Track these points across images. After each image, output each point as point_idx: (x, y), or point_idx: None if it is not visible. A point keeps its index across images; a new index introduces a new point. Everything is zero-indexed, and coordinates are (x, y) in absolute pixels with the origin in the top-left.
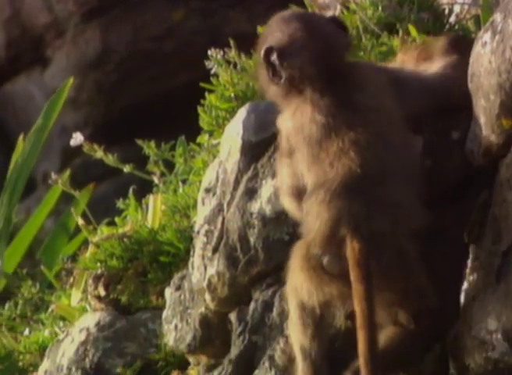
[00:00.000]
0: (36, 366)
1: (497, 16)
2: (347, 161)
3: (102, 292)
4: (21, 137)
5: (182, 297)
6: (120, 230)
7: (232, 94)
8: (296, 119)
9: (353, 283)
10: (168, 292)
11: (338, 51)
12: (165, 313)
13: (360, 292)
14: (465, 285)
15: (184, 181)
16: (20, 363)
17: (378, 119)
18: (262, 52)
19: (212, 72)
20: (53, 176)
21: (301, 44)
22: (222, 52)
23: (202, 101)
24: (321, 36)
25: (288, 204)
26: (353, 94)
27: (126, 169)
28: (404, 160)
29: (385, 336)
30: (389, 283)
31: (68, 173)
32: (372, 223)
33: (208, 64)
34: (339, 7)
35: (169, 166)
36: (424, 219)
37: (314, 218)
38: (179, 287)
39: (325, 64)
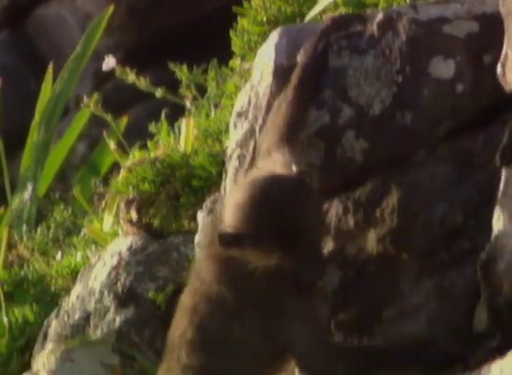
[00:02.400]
0: (68, 290)
1: None
2: None
3: (134, 216)
4: (51, 63)
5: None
6: (152, 154)
7: (265, 19)
8: None
9: None
10: (201, 216)
11: None
12: (197, 237)
13: None
14: (496, 208)
15: (216, 105)
16: (52, 287)
17: None
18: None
19: None
20: (85, 99)
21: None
22: None
23: (234, 26)
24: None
25: None
26: None
27: (158, 93)
28: None
29: None
30: None
31: (97, 95)
32: None
33: None
34: None
35: (201, 89)
36: None
37: None
38: (211, 211)
39: None
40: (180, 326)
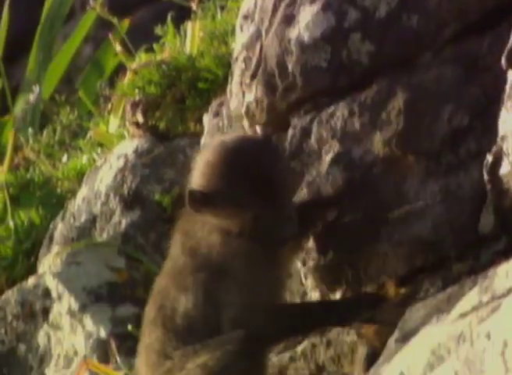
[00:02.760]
0: (74, 192)
1: None
2: None
3: (140, 119)
4: None
5: (220, 123)
6: (158, 57)
7: None
8: None
9: None
10: (207, 118)
11: None
12: (203, 139)
13: None
14: (503, 111)
15: (222, 8)
16: (58, 190)
17: None
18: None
19: None
20: (91, 1)
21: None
22: None
23: None
24: None
25: None
26: None
27: None
28: None
29: None
30: None
31: None
32: None
33: None
34: None
35: None
36: None
37: None
38: (217, 114)
39: None
40: (148, 310)
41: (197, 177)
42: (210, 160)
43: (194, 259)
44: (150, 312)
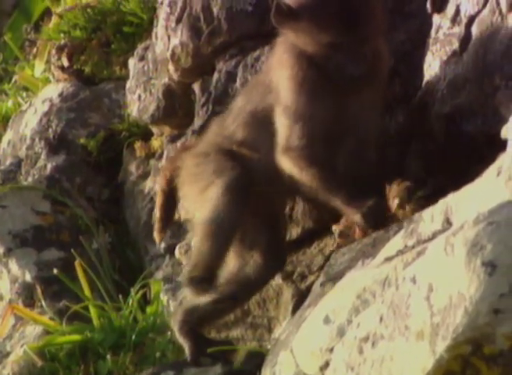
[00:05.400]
0: None
1: None
2: None
3: (65, 63)
4: None
5: (145, 67)
6: (84, 1)
7: None
8: None
9: None
10: (132, 63)
11: None
12: (128, 83)
13: None
14: (429, 56)
15: None
16: None
17: None
18: None
19: None
20: None
21: None
22: None
23: None
24: None
25: None
26: None
27: None
28: None
29: None
30: None
31: None
32: None
33: None
34: None
35: None
36: None
37: None
38: (142, 58)
39: None
40: None
41: None
42: None
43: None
44: None
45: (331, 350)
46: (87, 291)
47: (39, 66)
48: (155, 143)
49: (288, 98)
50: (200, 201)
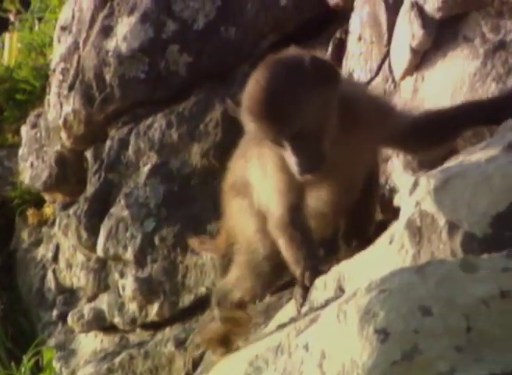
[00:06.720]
0: None
1: None
2: None
3: None
4: None
5: (38, 135)
6: None
7: None
8: None
9: None
10: (24, 130)
11: None
12: (21, 151)
13: None
14: None
15: (40, 19)
16: None
17: None
18: None
19: None
20: None
21: None
22: None
23: None
24: None
25: None
26: None
27: None
28: None
29: None
30: None
31: None
32: None
33: None
34: None
35: (25, 3)
36: None
37: None
38: (35, 125)
39: None
40: None
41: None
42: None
43: None
44: None
45: None
46: None
47: None
48: (48, 210)
49: (260, 176)
50: None
